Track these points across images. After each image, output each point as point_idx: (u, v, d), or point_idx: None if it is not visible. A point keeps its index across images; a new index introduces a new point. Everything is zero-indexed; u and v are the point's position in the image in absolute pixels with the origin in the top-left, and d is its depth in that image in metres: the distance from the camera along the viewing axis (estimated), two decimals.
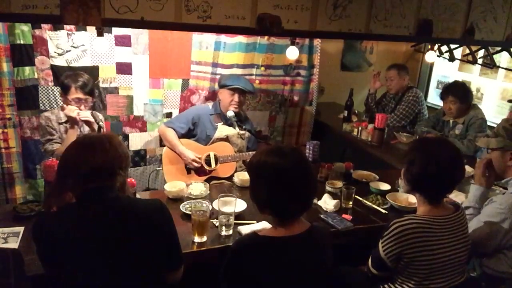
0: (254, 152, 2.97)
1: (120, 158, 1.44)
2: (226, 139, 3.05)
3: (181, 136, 3.02)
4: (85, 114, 2.54)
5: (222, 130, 3.05)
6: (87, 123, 2.57)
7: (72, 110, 2.49)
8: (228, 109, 3.03)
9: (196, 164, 2.92)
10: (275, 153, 1.46)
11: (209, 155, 2.96)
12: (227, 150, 3.00)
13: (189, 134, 3.06)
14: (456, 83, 3.57)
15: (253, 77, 3.59)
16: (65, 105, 2.57)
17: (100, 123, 2.61)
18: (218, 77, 3.41)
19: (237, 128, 3.01)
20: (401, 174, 1.80)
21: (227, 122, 3.08)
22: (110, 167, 1.41)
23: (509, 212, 1.79)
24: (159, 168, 3.24)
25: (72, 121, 2.51)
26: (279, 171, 1.42)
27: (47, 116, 2.62)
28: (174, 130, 3.00)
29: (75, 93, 2.51)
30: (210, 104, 3.18)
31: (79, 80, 2.52)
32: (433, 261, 1.61)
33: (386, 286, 1.77)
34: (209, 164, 2.95)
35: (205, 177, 2.94)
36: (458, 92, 3.35)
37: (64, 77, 2.59)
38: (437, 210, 1.67)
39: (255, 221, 2.04)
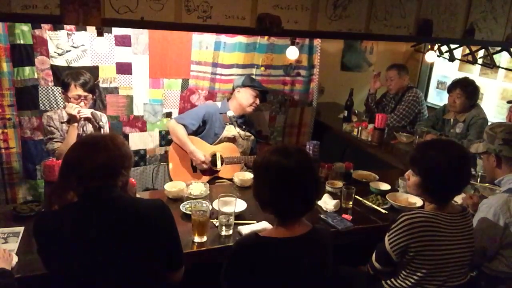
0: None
1: (123, 158, 1.44)
2: (233, 139, 3.06)
3: (191, 132, 3.03)
4: (86, 112, 2.56)
5: (230, 129, 3.06)
6: (89, 120, 2.61)
7: (73, 108, 2.52)
8: (245, 109, 3.03)
9: (205, 166, 2.92)
10: (280, 153, 1.46)
11: (215, 155, 2.97)
12: (233, 151, 3.01)
13: (197, 131, 3.07)
14: (466, 78, 3.53)
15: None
16: (66, 103, 2.59)
17: (100, 123, 2.61)
18: (218, 77, 3.42)
19: (237, 128, 3.01)
20: (407, 177, 1.82)
21: (236, 122, 3.10)
22: (113, 167, 1.41)
23: (502, 210, 1.80)
24: (164, 163, 3.24)
25: (72, 119, 2.55)
26: (282, 170, 1.42)
27: (49, 115, 2.66)
28: (185, 126, 3.01)
29: (74, 90, 2.55)
30: (218, 103, 3.20)
31: (80, 78, 2.56)
32: (437, 256, 1.64)
33: (388, 282, 1.77)
34: (214, 164, 2.96)
35: (210, 177, 2.94)
36: (467, 87, 3.36)
37: (65, 75, 2.63)
38: (445, 208, 1.71)
39: (255, 221, 2.04)
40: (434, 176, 1.67)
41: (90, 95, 2.63)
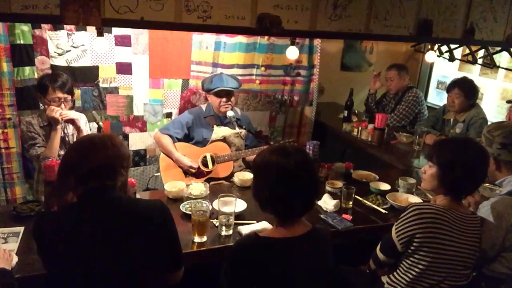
0: (250, 150, 3.01)
1: (122, 157, 1.44)
2: (224, 140, 3.04)
3: (179, 141, 3.02)
4: (67, 113, 2.49)
5: (218, 131, 3.04)
6: (71, 122, 2.55)
7: (54, 111, 2.43)
8: (220, 111, 3.02)
9: (193, 170, 2.91)
10: (279, 152, 1.46)
11: (205, 157, 2.96)
12: (223, 149, 3.00)
13: (186, 138, 3.06)
14: (465, 78, 3.53)
15: (253, 77, 3.59)
16: (46, 107, 2.50)
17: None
18: None
19: (237, 128, 3.00)
20: (423, 171, 1.81)
21: (223, 122, 3.07)
22: (111, 166, 1.41)
23: (505, 213, 1.79)
24: (157, 174, 3.23)
25: (54, 122, 2.46)
26: (282, 170, 1.42)
27: (28, 121, 2.55)
28: (171, 136, 3.00)
29: (53, 93, 2.45)
30: (203, 106, 3.16)
31: (58, 80, 2.46)
32: (440, 250, 1.64)
33: (391, 276, 1.78)
34: (206, 165, 2.95)
35: (203, 179, 2.93)
36: (465, 86, 3.36)
37: (41, 78, 2.55)
38: (457, 206, 1.72)
39: (255, 221, 2.04)
40: (453, 167, 1.67)
41: (69, 97, 2.52)
